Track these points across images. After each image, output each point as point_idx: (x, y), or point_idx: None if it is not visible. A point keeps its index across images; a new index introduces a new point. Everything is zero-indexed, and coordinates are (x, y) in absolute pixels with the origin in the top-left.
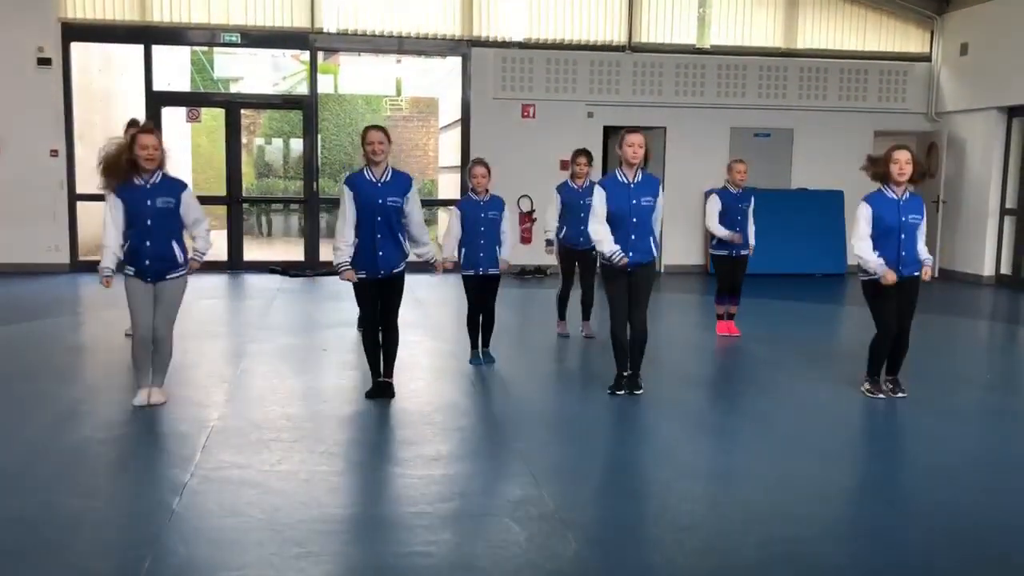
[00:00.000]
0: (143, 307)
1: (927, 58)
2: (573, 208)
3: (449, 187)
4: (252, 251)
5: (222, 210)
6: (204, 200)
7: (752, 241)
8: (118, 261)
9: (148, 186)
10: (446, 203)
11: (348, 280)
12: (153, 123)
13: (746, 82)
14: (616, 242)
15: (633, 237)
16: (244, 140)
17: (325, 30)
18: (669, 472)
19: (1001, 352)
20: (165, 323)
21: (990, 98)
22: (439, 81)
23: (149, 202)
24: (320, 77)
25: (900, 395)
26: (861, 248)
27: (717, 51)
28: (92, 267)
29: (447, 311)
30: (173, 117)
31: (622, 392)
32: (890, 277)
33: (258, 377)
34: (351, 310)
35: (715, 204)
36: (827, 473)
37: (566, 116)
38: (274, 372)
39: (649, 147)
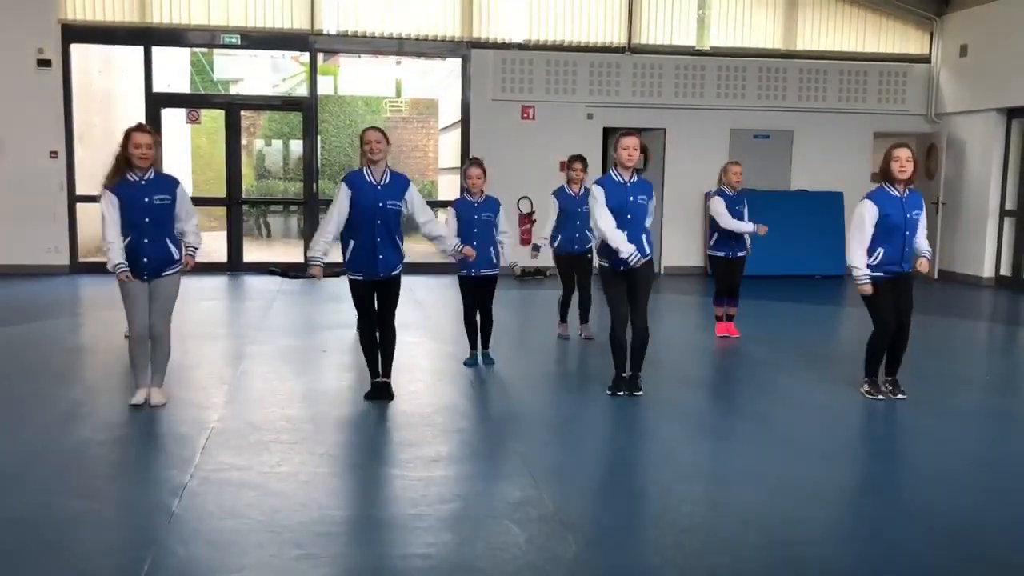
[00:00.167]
0: (140, 306)
1: (926, 59)
2: (570, 214)
3: (449, 188)
4: (252, 253)
5: (222, 211)
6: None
7: (748, 240)
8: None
9: (143, 183)
10: (446, 204)
11: (315, 275)
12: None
13: (746, 83)
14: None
15: (629, 236)
16: (244, 141)
17: (325, 31)
18: (669, 474)
19: (1001, 353)
20: (163, 320)
21: (990, 99)
22: (439, 82)
23: (147, 199)
24: (320, 78)
25: (899, 396)
26: (856, 257)
27: (717, 53)
28: (92, 268)
29: (447, 312)
30: (173, 118)
31: (622, 393)
32: (867, 290)
33: (258, 379)
34: (350, 312)
35: (722, 203)
36: (827, 474)
37: (566, 117)
38: (274, 374)
39: (649, 149)
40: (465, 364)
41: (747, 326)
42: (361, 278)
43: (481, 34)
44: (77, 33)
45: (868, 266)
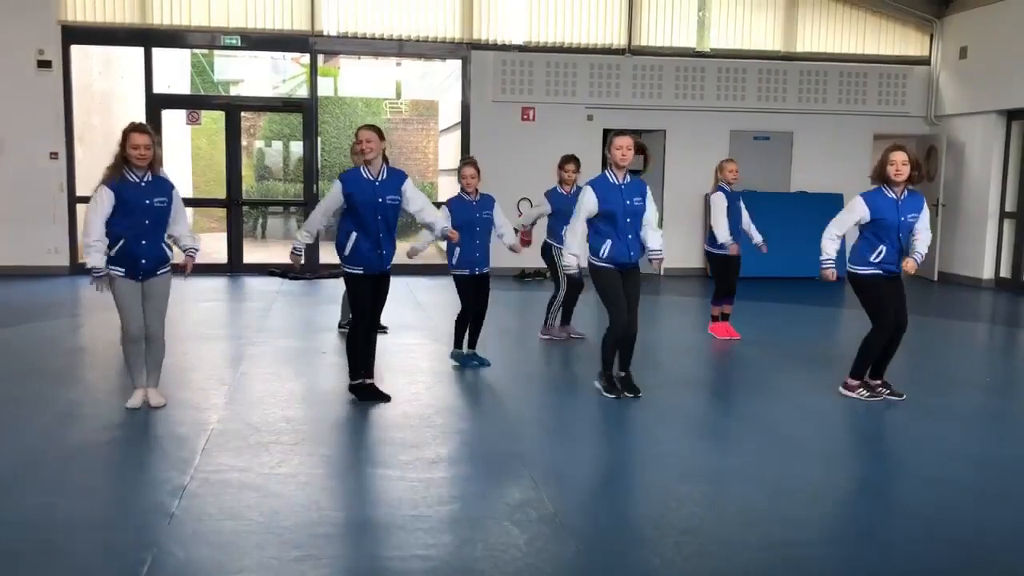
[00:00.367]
0: (135, 307)
1: (926, 61)
2: (565, 214)
3: (449, 190)
4: (252, 254)
5: (222, 213)
6: (204, 203)
7: (760, 237)
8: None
9: (143, 184)
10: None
11: (294, 264)
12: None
13: (746, 85)
14: (613, 242)
15: (630, 236)
16: (244, 143)
17: (325, 33)
18: (669, 475)
19: (1001, 355)
20: (159, 319)
21: (989, 101)
22: (439, 84)
23: (148, 201)
24: (320, 80)
25: (896, 398)
26: (828, 242)
27: (717, 54)
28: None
29: (447, 313)
30: (173, 120)
31: (615, 396)
32: (829, 275)
33: (257, 380)
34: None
35: (722, 201)
36: (827, 476)
37: (566, 119)
38: (274, 375)
39: (649, 150)
40: (452, 358)
41: (747, 327)
42: (361, 272)
43: (481, 35)
44: (77, 34)
45: (870, 263)
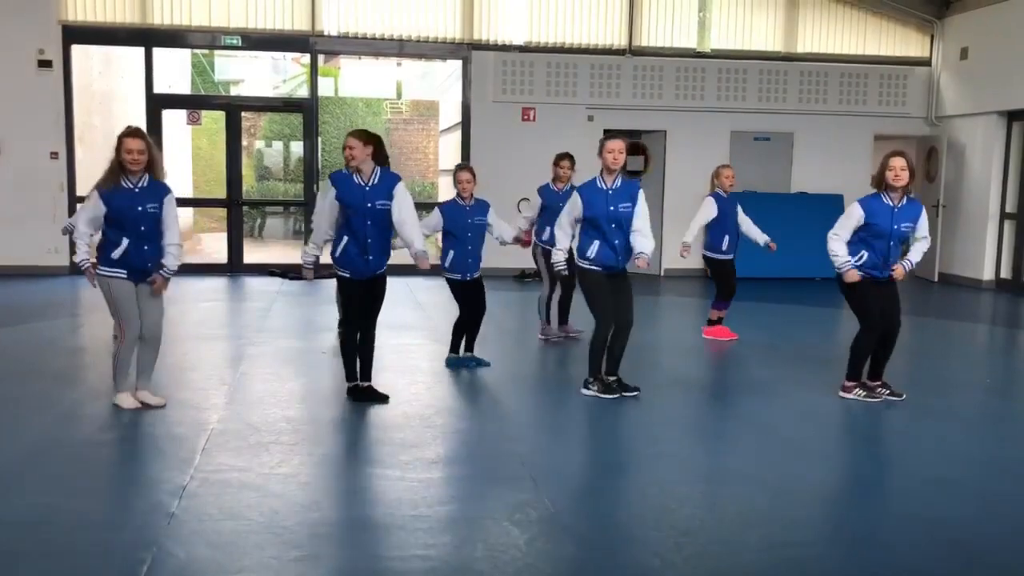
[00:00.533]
0: (135, 308)
1: (927, 62)
2: (553, 211)
3: (449, 190)
4: (252, 254)
5: (222, 213)
6: (204, 203)
7: (765, 236)
8: (95, 263)
9: (136, 190)
10: None
11: (306, 278)
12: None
13: (746, 86)
14: (599, 246)
15: (616, 242)
16: (244, 143)
17: (326, 33)
18: (668, 475)
19: (1001, 356)
20: (159, 319)
21: (990, 102)
22: (439, 84)
23: (140, 208)
24: (320, 80)
25: (896, 398)
26: (834, 243)
27: (717, 55)
28: None
29: (447, 314)
30: (174, 120)
31: (617, 395)
32: (853, 276)
33: (258, 380)
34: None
35: (711, 209)
36: (827, 477)
37: (566, 119)
38: (274, 375)
39: (649, 150)
40: (447, 365)
41: (747, 328)
42: (348, 276)
43: (482, 36)
44: (78, 34)
45: (853, 265)
